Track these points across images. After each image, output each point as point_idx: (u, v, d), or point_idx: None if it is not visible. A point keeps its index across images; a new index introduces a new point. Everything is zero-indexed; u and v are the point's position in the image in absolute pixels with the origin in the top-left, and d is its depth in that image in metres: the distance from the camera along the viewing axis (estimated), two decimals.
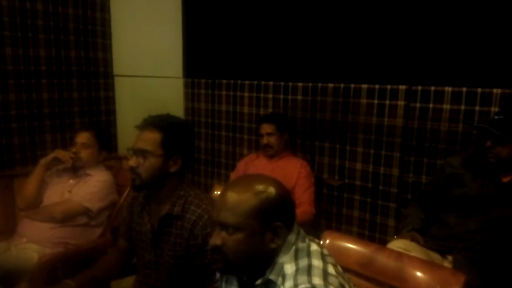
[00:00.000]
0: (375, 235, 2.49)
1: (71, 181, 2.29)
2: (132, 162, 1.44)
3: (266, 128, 2.54)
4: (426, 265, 1.31)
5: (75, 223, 2.16)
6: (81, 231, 2.19)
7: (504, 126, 1.81)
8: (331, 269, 0.98)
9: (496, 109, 2.04)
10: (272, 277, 1.00)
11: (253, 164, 2.61)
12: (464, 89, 2.14)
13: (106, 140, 2.41)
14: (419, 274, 1.27)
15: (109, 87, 3.37)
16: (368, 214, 2.51)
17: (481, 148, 1.90)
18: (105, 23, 3.25)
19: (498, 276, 1.78)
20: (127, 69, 3.38)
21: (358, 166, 2.52)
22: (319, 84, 2.62)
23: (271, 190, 1.02)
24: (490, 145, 1.84)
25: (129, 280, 1.76)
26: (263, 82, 2.88)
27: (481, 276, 1.76)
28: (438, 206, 2.01)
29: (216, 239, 1.02)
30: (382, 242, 2.34)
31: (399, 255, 1.36)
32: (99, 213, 2.22)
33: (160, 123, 1.47)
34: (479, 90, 2.10)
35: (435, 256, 1.87)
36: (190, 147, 1.56)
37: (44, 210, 2.16)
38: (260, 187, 1.02)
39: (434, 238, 1.92)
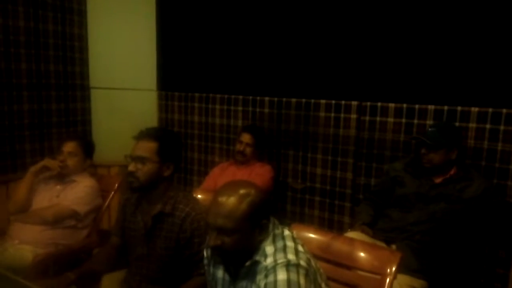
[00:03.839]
0: (332, 231, 2.84)
1: (58, 187, 2.46)
2: (132, 167, 1.68)
3: (247, 138, 2.82)
4: (370, 247, 1.66)
5: (64, 225, 2.34)
6: (69, 232, 2.37)
7: (435, 136, 2.19)
8: (300, 248, 1.28)
9: (431, 122, 2.44)
10: (257, 258, 1.28)
11: (226, 172, 2.89)
12: (405, 105, 2.53)
13: (90, 149, 2.61)
14: (365, 254, 1.60)
15: (86, 99, 3.54)
16: (327, 213, 2.87)
17: (418, 155, 2.29)
18: (82, 38, 3.44)
19: (433, 260, 2.14)
20: (103, 82, 3.56)
21: (318, 171, 2.87)
22: (284, 99, 2.96)
23: (255, 195, 1.28)
24: (425, 152, 2.22)
25: (120, 274, 1.98)
26: (233, 96, 3.18)
27: (419, 260, 2.10)
28: (384, 203, 2.38)
29: (216, 241, 1.26)
30: None
31: (351, 240, 1.69)
32: (86, 216, 2.41)
33: (155, 133, 1.72)
34: (417, 106, 2.50)
35: (382, 245, 2.23)
36: (180, 154, 1.83)
37: (35, 214, 2.33)
38: (246, 193, 1.26)
39: (380, 230, 2.26)
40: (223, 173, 2.91)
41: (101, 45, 3.51)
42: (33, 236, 2.26)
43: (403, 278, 1.99)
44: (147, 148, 1.69)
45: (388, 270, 1.52)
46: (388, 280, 1.50)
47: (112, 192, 2.57)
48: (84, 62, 3.48)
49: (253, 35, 3.06)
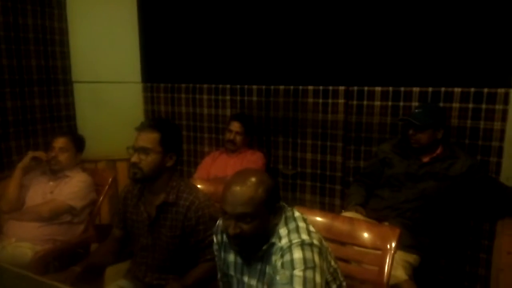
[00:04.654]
0: None
1: (51, 183, 2.44)
2: (135, 158, 1.69)
3: (236, 126, 2.85)
4: (370, 225, 1.74)
5: (60, 221, 2.33)
6: (66, 228, 2.36)
7: (422, 117, 2.28)
8: (311, 228, 1.34)
9: (416, 104, 2.53)
10: (273, 240, 1.33)
11: (217, 161, 2.92)
12: (390, 88, 2.62)
13: (81, 143, 2.59)
14: (365, 231, 1.68)
15: (69, 94, 3.48)
16: (318, 196, 2.94)
17: (406, 136, 2.38)
18: (63, 32, 3.36)
19: (424, 235, 2.24)
20: (86, 76, 3.50)
21: (308, 156, 2.93)
22: (272, 87, 3.00)
23: (268, 181, 1.32)
24: (412, 133, 2.31)
25: (124, 265, 2.01)
26: (220, 85, 3.20)
27: (411, 236, 2.19)
28: (375, 184, 2.47)
29: (236, 229, 1.29)
30: None
31: (350, 220, 1.77)
32: (82, 210, 2.41)
33: (157, 124, 1.74)
34: (402, 89, 2.58)
35: (375, 224, 2.32)
36: (181, 145, 1.85)
37: (31, 211, 2.31)
38: (260, 180, 1.30)
39: (373, 210, 2.35)
40: (214, 162, 2.94)
41: (82, 38, 3.44)
42: (30, 233, 2.25)
43: (397, 254, 2.06)
44: (150, 138, 1.70)
45: (388, 246, 1.60)
46: (389, 254, 1.58)
47: (107, 186, 2.56)
48: (65, 56, 3.42)
49: (239, 23, 3.07)
